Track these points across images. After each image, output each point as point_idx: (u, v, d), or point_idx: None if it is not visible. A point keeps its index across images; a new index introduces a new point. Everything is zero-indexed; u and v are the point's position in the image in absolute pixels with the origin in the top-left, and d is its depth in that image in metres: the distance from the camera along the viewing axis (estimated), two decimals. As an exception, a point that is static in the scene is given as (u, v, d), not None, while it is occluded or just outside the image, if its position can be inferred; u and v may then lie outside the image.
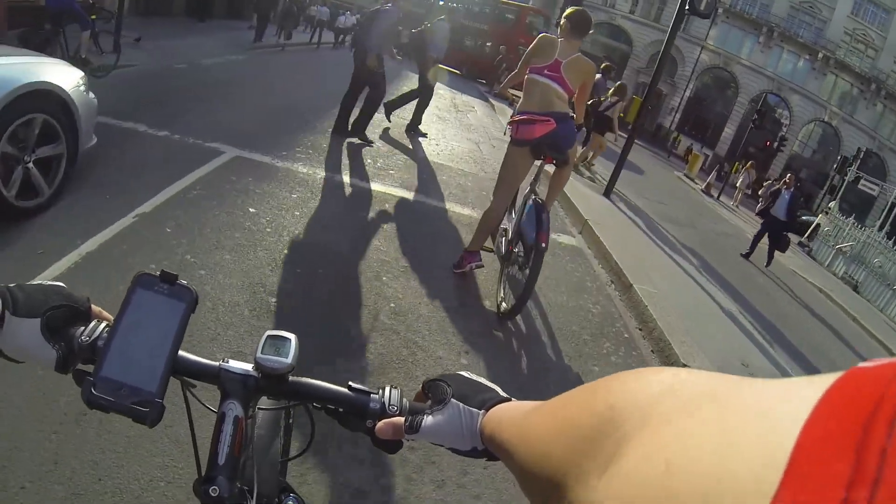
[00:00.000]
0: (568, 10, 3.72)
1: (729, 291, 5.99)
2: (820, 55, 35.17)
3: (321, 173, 5.02)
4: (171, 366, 0.63)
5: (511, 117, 4.11)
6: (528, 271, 3.39)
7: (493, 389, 0.63)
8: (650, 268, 5.38)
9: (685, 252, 6.91)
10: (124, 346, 0.62)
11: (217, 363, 0.68)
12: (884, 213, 18.93)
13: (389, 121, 7.94)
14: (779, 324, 5.82)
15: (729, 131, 37.30)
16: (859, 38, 36.12)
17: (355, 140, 6.44)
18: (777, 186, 10.10)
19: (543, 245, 3.30)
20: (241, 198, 3.98)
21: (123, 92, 6.18)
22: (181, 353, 0.66)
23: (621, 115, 11.02)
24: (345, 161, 5.67)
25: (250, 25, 18.04)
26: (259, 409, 0.85)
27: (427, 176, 6.02)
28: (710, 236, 9.71)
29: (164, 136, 4.89)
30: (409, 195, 5.26)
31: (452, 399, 0.61)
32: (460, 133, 9.35)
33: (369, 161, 5.85)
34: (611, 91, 9.98)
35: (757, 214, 10.88)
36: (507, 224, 3.95)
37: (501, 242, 3.96)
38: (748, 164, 19.22)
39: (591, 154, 10.20)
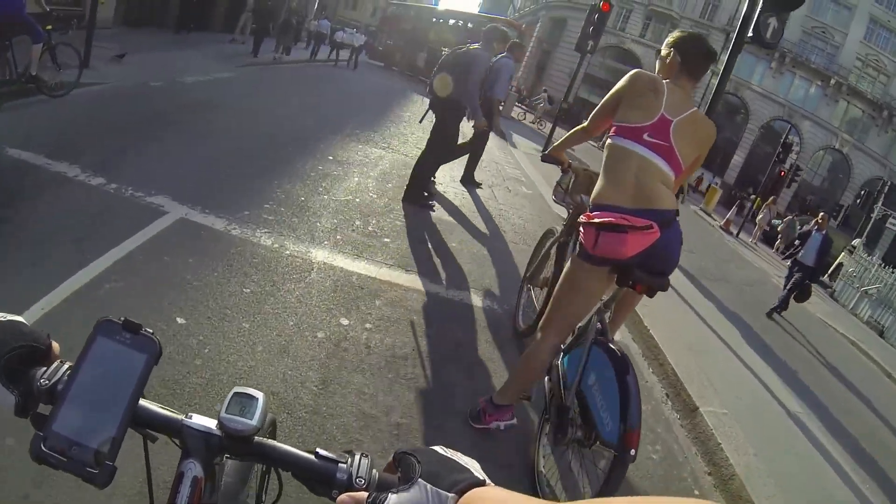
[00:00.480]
0: (675, 35, 2.45)
1: (794, 385, 4.91)
2: (832, 81, 34.81)
3: (290, 247, 3.74)
4: (128, 422, 0.57)
5: (565, 190, 3.06)
6: (599, 475, 2.08)
7: (468, 469, 0.53)
8: (709, 367, 4.31)
9: (732, 323, 5.90)
10: (80, 399, 0.57)
11: (180, 417, 0.63)
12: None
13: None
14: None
15: (738, 158, 36.73)
16: (872, 63, 35.76)
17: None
18: (808, 227, 9.14)
19: (632, 452, 1.87)
20: (168, 296, 2.75)
21: (75, 118, 5.18)
22: (143, 402, 0.61)
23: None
24: (322, 223, 4.29)
25: (232, 38, 17.15)
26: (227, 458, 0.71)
27: (433, 243, 4.75)
28: (744, 290, 8.65)
29: (98, 185, 3.78)
30: (406, 280, 3.86)
31: (420, 479, 0.51)
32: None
33: (358, 223, 4.53)
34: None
35: (784, 258, 9.83)
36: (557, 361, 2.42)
37: (546, 388, 2.39)
38: (770, 201, 18.51)
39: None
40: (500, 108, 6.51)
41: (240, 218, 3.91)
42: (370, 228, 4.45)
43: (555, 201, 3.27)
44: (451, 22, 30.39)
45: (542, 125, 23.37)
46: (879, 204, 20.65)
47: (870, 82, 35.31)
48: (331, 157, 6.11)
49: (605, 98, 2.41)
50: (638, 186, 2.14)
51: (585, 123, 2.61)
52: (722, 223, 17.95)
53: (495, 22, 28.96)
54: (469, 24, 27.83)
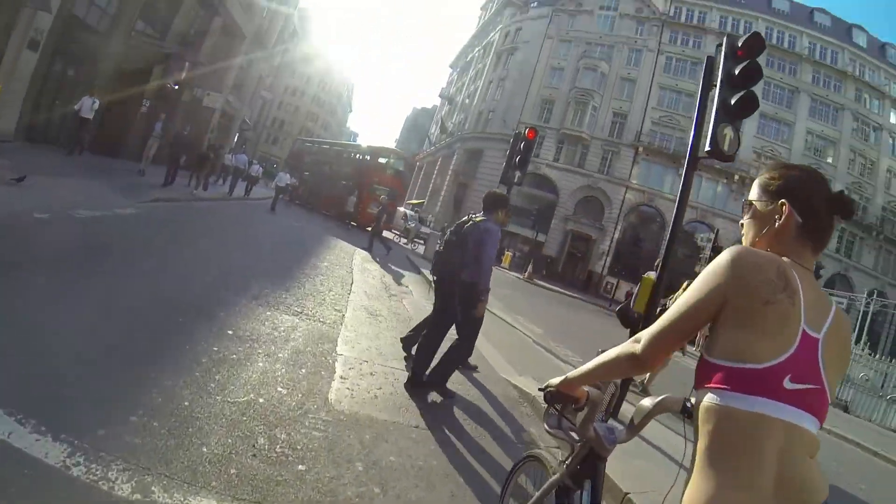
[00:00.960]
0: (777, 172, 1.52)
1: None
2: (736, 177, 38.98)
3: (158, 497, 2.44)
4: None
5: (570, 419, 2.11)
6: None
7: None
8: None
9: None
10: None
11: None
12: (857, 325, 18.42)
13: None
14: None
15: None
16: (767, 154, 40.82)
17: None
18: None
19: None
20: None
21: None
22: None
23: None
24: (211, 447, 3.01)
25: (140, 170, 16.32)
26: None
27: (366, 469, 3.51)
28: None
29: None
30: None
31: None
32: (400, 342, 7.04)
33: (262, 441, 3.26)
34: (679, 292, 8.53)
35: None
36: None
37: None
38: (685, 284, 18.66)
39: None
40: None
41: (90, 442, 2.64)
42: (278, 449, 3.23)
43: (547, 431, 2.24)
44: (356, 156, 31.07)
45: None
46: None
47: (768, 173, 39.67)
48: (231, 332, 4.94)
49: (681, 303, 1.43)
50: (782, 479, 1.18)
51: (637, 347, 1.50)
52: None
53: (384, 151, 30.80)
54: (367, 157, 29.12)
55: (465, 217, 5.57)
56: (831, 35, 44.81)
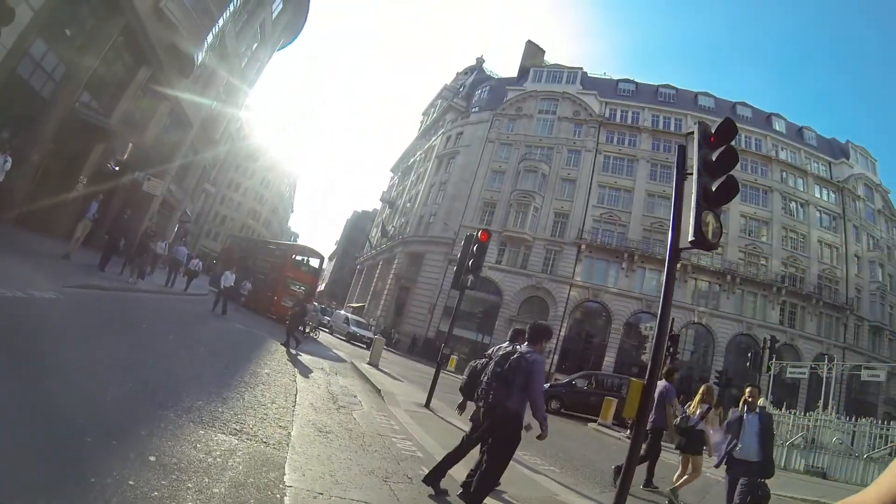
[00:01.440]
0: None
1: None
2: (678, 266, 38.38)
3: None
4: None
5: None
6: None
7: None
8: None
9: None
10: None
11: None
12: (823, 392, 19.38)
13: None
14: None
15: (609, 358, 40.22)
16: None
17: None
18: (734, 414, 7.00)
19: None
20: None
21: None
22: None
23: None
24: None
25: (65, 253, 14.82)
26: None
27: None
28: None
29: None
30: None
31: None
32: (357, 462, 5.96)
33: None
34: (697, 399, 8.61)
35: (718, 465, 7.10)
36: None
37: None
38: (715, 403, 18.67)
39: (682, 480, 8.22)
40: None
41: None
42: None
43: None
44: (276, 252, 32.05)
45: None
46: (773, 361, 22.70)
47: (708, 258, 41.80)
48: (153, 458, 3.91)
49: None
50: None
51: None
52: (627, 433, 16.98)
53: (299, 249, 32.66)
54: (284, 253, 30.11)
55: (510, 348, 5.77)
56: (753, 125, 49.13)
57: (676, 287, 40.66)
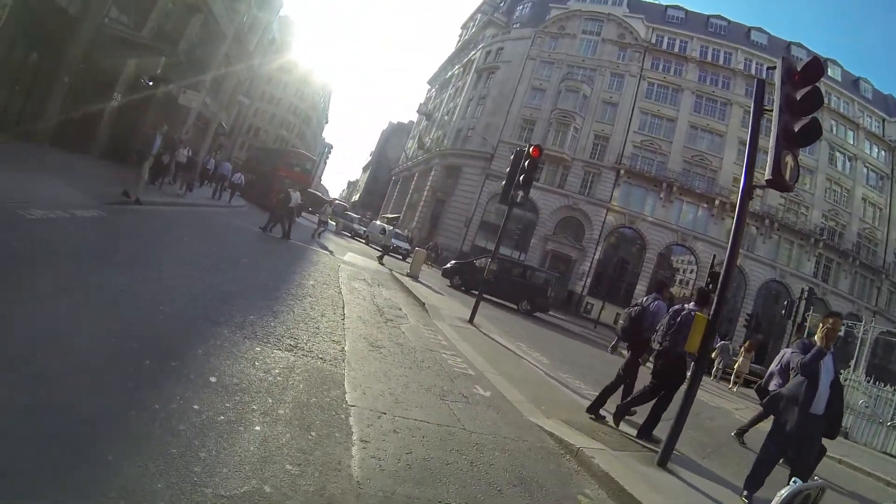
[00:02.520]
0: None
1: None
2: (716, 202, 39.49)
3: None
4: None
5: None
6: None
7: None
8: None
9: None
10: None
11: None
12: (857, 352, 18.31)
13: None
14: None
15: (641, 287, 39.58)
16: None
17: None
18: (813, 351, 5.34)
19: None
20: None
21: None
22: None
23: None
24: None
25: (135, 199, 15.15)
26: None
27: None
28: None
29: None
30: None
31: None
32: (413, 380, 5.85)
33: None
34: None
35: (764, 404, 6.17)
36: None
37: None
38: (747, 345, 18.98)
39: None
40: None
41: None
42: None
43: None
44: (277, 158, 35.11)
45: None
46: (811, 312, 22.33)
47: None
48: (213, 379, 3.81)
49: None
50: None
51: None
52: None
53: (294, 154, 36.42)
54: (282, 158, 33.90)
55: (679, 306, 6.52)
56: (807, 67, 45.48)
57: (712, 223, 39.94)
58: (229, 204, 22.65)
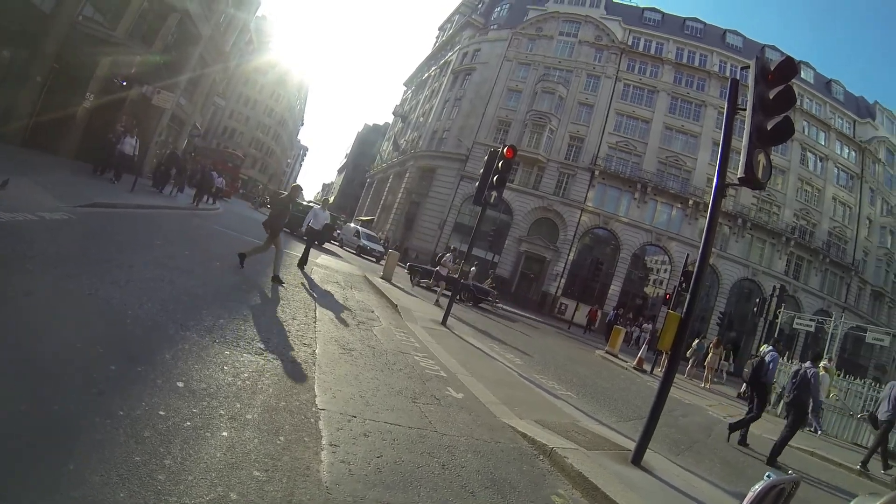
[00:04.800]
0: None
1: None
2: (690, 202, 40.30)
3: None
4: None
5: None
6: None
7: None
8: None
9: None
10: None
11: None
12: (826, 347, 19.31)
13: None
14: None
15: (615, 287, 40.44)
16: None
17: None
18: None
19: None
20: None
21: None
22: None
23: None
24: None
25: (96, 169, 15.12)
26: None
27: None
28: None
29: None
30: None
31: None
32: (384, 383, 5.91)
33: None
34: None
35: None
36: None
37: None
38: (714, 341, 20.02)
39: None
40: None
41: None
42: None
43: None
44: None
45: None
46: (781, 310, 22.63)
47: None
48: (181, 384, 3.77)
49: None
50: None
51: None
52: (634, 363, 17.60)
53: (226, 154, 45.77)
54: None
55: (798, 366, 9.32)
56: (780, 70, 46.44)
57: (686, 223, 40.53)
58: (205, 207, 22.42)
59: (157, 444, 2.87)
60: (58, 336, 3.94)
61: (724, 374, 24.10)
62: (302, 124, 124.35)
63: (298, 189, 11.50)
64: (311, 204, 21.32)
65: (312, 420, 4.00)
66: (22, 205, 7.98)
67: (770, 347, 10.15)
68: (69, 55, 16.39)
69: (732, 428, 9.70)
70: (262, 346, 5.38)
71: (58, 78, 16.44)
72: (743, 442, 9.57)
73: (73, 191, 11.75)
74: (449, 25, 66.64)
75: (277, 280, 9.84)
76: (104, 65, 18.41)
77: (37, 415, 2.78)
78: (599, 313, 34.32)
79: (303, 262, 13.46)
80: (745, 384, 10.82)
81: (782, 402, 11.72)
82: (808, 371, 8.95)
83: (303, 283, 11.00)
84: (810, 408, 9.50)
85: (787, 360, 17.28)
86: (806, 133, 44.94)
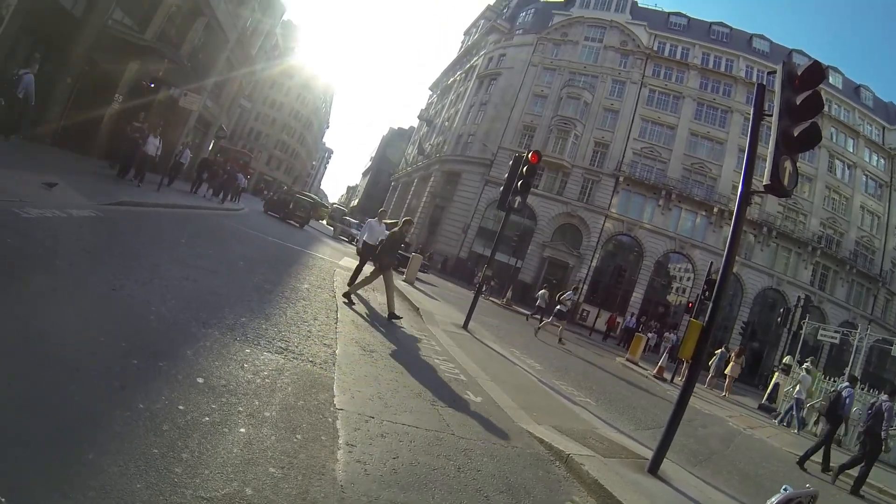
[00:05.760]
0: None
1: None
2: (715, 210, 39.49)
3: None
4: None
5: None
6: None
7: None
8: None
9: None
10: None
11: None
12: (851, 360, 19.21)
13: None
14: None
15: (637, 295, 40.11)
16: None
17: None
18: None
19: None
20: None
21: None
22: None
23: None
24: None
25: (112, 164, 15.44)
26: None
27: None
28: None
29: None
30: None
31: None
32: (403, 384, 6.00)
33: None
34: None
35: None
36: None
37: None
38: (736, 350, 19.77)
39: None
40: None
41: None
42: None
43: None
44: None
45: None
46: (806, 320, 22.14)
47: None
48: (201, 380, 3.81)
49: None
50: None
51: None
52: (654, 372, 17.56)
53: (236, 152, 45.23)
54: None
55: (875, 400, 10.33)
56: (808, 75, 45.62)
57: (710, 231, 39.93)
58: (230, 207, 22.72)
59: (175, 438, 2.90)
60: (82, 330, 4.00)
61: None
62: (327, 127, 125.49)
63: (410, 224, 11.07)
64: (337, 206, 21.65)
65: (330, 419, 4.02)
66: (51, 202, 8.15)
67: (847, 384, 11.09)
68: (99, 57, 16.74)
69: (812, 457, 10.25)
70: (283, 346, 5.41)
71: (87, 80, 16.80)
72: (826, 469, 10.37)
73: (101, 189, 11.98)
74: (474, 30, 66.82)
75: (394, 316, 9.75)
76: (133, 68, 18.77)
77: (59, 406, 2.83)
78: (619, 320, 34.03)
79: (352, 282, 11.00)
80: (820, 415, 11.65)
81: (857, 431, 12.29)
82: (883, 404, 9.75)
83: (325, 285, 11.05)
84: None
85: (822, 377, 17.04)
86: (834, 140, 44.19)
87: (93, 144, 18.34)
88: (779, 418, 15.54)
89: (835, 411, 10.58)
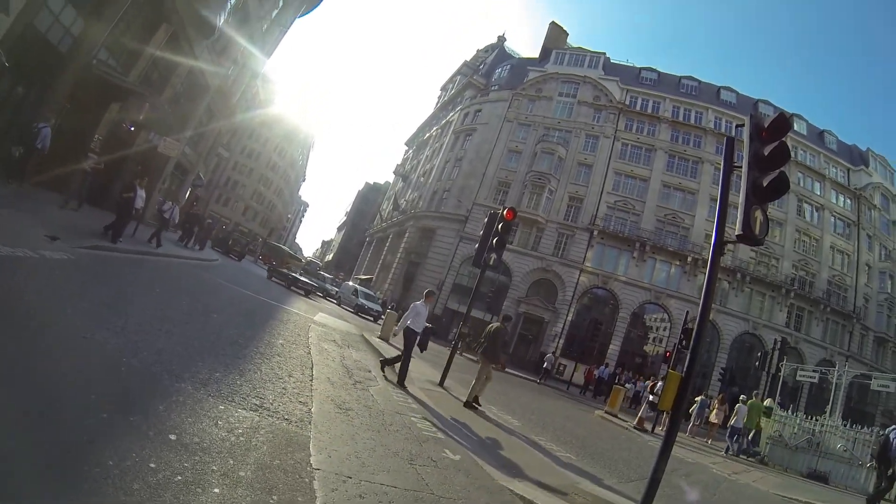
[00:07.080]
0: None
1: None
2: (689, 259, 40.12)
3: None
4: None
5: None
6: None
7: None
8: None
9: None
10: None
11: None
12: (832, 398, 19.32)
13: None
14: None
15: (615, 346, 40.02)
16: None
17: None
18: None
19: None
20: None
21: None
22: None
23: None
24: None
25: (66, 200, 14.92)
26: None
27: None
28: None
29: None
30: None
31: None
32: (380, 443, 5.83)
33: None
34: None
35: None
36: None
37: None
38: (720, 398, 19.86)
39: None
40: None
41: None
42: None
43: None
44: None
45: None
46: (784, 363, 22.43)
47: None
48: (173, 437, 3.65)
49: None
50: None
51: None
52: (635, 423, 17.38)
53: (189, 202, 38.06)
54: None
55: None
56: (774, 124, 48.03)
57: (685, 280, 40.58)
58: (202, 256, 22.40)
59: (145, 498, 2.75)
60: (49, 379, 3.84)
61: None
62: (304, 180, 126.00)
63: (510, 319, 12.06)
64: (311, 260, 21.21)
65: (307, 479, 3.87)
66: (23, 241, 7.96)
67: (894, 426, 11.35)
68: (81, 96, 16.73)
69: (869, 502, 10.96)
70: (258, 403, 5.25)
71: (69, 118, 16.73)
72: None
73: (76, 231, 11.76)
74: (451, 85, 68.45)
75: (478, 402, 10.45)
76: (114, 109, 18.78)
77: (23, 460, 2.68)
78: (596, 372, 34.01)
79: (402, 375, 10.29)
80: (871, 458, 12.26)
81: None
82: (890, 434, 10.41)
83: (300, 341, 10.86)
84: None
85: (793, 414, 17.47)
86: (801, 184, 45.84)
87: (68, 182, 18.13)
88: (725, 449, 16.18)
89: (885, 454, 10.86)
